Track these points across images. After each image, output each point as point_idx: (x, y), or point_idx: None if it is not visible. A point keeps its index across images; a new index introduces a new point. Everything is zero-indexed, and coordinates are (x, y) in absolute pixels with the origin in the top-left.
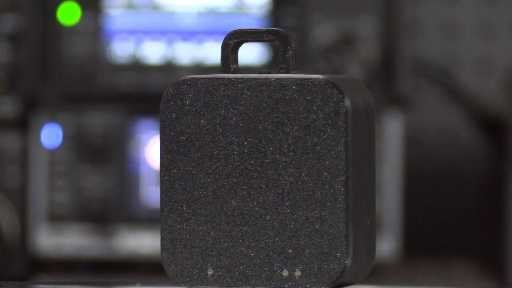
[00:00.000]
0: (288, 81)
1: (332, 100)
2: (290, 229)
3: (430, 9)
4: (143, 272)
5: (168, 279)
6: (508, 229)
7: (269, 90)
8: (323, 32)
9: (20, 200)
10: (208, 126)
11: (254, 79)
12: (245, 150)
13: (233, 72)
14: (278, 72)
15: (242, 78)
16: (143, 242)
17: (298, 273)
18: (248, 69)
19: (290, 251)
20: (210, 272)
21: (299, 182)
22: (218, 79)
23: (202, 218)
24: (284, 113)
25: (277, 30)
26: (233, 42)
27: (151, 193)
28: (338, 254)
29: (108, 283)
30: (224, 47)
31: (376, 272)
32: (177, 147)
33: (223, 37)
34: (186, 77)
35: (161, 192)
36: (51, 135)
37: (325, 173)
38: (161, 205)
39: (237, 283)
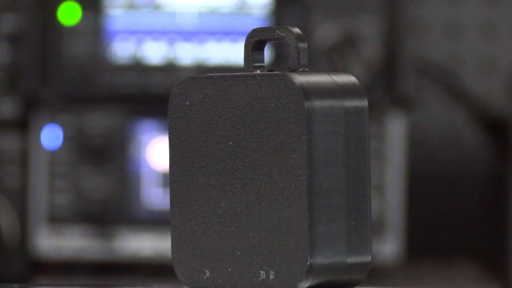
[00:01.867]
0: (261, 78)
1: (294, 98)
2: (265, 230)
3: (433, 9)
4: (143, 274)
5: (168, 281)
6: (511, 230)
7: (247, 89)
8: (326, 32)
9: (20, 202)
10: (203, 126)
11: (236, 77)
12: (230, 149)
13: (249, 71)
14: (286, 71)
15: (227, 76)
16: (144, 244)
17: (272, 275)
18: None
19: (266, 252)
20: (207, 273)
21: (271, 182)
22: (209, 77)
23: (199, 219)
24: (258, 111)
25: (286, 28)
26: (252, 40)
27: (151, 195)
28: (302, 254)
29: (109, 285)
30: (245, 46)
31: (379, 273)
32: (180, 148)
33: (224, 37)
34: (188, 76)
35: (170, 192)
36: (51, 136)
37: (290, 173)
38: (170, 206)
39: (227, 285)
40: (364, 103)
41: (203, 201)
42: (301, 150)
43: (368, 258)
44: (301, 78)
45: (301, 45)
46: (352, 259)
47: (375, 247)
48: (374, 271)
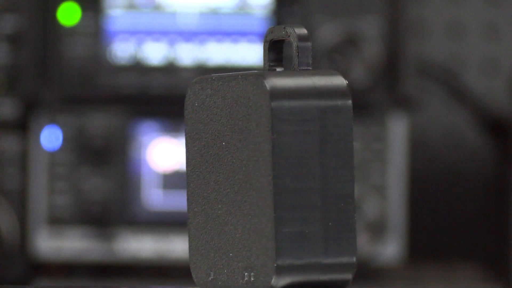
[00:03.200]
0: (241, 78)
1: (263, 98)
2: (247, 231)
3: (435, 9)
4: (144, 276)
5: (169, 283)
6: None
7: (231, 88)
8: (327, 32)
9: (20, 203)
10: (206, 127)
11: (226, 77)
12: (222, 150)
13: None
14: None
15: (220, 77)
16: (145, 246)
17: (252, 277)
18: (252, 69)
19: (248, 254)
20: (211, 275)
21: (249, 183)
22: (208, 78)
23: (206, 220)
24: (238, 111)
25: (290, 26)
26: (267, 40)
27: (152, 196)
28: (271, 256)
29: (109, 287)
30: (263, 45)
31: (381, 275)
32: (193, 149)
33: (225, 38)
34: (198, 77)
35: (187, 193)
36: (51, 137)
37: (260, 173)
38: (187, 206)
39: (224, 287)
40: (347, 102)
41: (207, 203)
42: (267, 150)
43: (351, 259)
44: (274, 78)
45: (301, 44)
46: (330, 260)
47: (376, 249)
48: (376, 273)
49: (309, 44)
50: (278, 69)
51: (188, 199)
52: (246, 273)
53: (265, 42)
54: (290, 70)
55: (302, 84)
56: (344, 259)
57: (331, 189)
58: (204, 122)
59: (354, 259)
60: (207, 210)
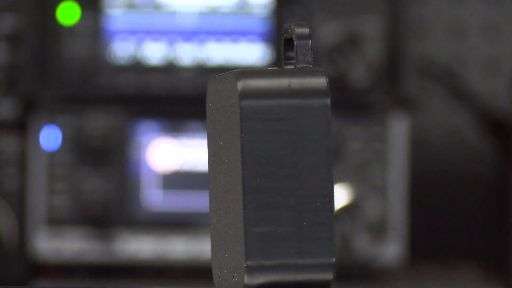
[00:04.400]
0: (224, 77)
1: (235, 97)
2: (230, 232)
3: (436, 9)
4: (143, 277)
5: (168, 284)
6: None
7: (218, 87)
8: (328, 32)
9: (18, 204)
10: (214, 126)
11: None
12: (220, 150)
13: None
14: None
15: (217, 77)
16: (144, 247)
17: (235, 277)
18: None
19: (235, 255)
20: (220, 276)
21: (231, 183)
22: (216, 77)
23: (215, 221)
24: (222, 111)
25: (292, 24)
26: (283, 38)
27: (152, 196)
28: (240, 256)
29: None
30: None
31: (382, 276)
32: (209, 149)
33: (225, 37)
34: (215, 75)
35: (209, 192)
36: (50, 137)
37: (234, 173)
38: (209, 205)
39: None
40: (323, 101)
41: (216, 203)
42: (238, 149)
43: (330, 259)
44: (248, 77)
45: (300, 42)
46: (305, 260)
47: (377, 249)
48: (377, 273)
49: (308, 42)
50: (289, 67)
51: (209, 199)
52: (234, 274)
53: (282, 40)
54: (272, 69)
55: (277, 83)
56: (321, 260)
57: (306, 188)
58: (214, 122)
59: (333, 259)
60: (217, 211)
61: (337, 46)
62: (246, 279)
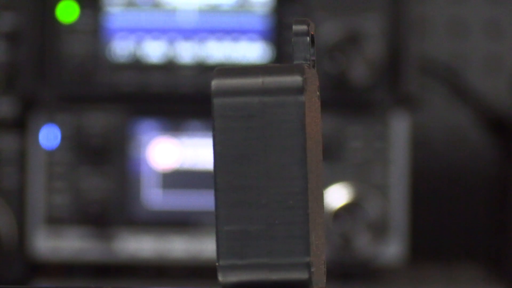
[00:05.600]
0: (212, 75)
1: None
2: None
3: (437, 7)
4: (143, 276)
5: (168, 283)
6: None
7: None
8: (328, 30)
9: (17, 203)
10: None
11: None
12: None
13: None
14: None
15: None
16: (144, 246)
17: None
18: None
19: None
20: None
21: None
22: None
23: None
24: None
25: (293, 20)
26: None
27: (152, 195)
28: (216, 255)
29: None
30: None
31: (382, 275)
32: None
33: (225, 36)
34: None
35: None
36: (49, 136)
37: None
38: None
39: None
40: (297, 98)
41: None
42: (212, 145)
43: (303, 258)
44: (224, 74)
45: (296, 38)
46: (278, 260)
47: (378, 249)
48: (377, 273)
49: (305, 38)
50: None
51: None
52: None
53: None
54: (252, 65)
55: (251, 81)
56: (294, 259)
57: (278, 186)
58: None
59: (306, 258)
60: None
61: (338, 44)
62: (220, 278)
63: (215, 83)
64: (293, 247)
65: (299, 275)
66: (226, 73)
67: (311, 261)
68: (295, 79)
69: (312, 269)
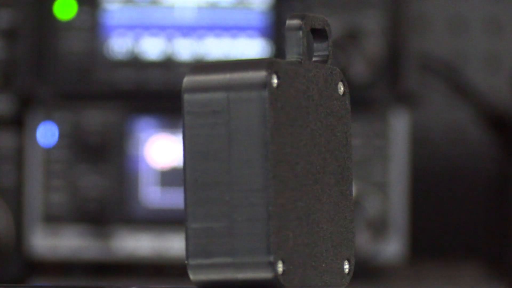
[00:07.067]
0: None
1: None
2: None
3: (437, 4)
4: (141, 275)
5: (167, 281)
6: None
7: None
8: None
9: (15, 201)
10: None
11: None
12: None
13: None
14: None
15: None
16: (142, 244)
17: None
18: None
19: None
20: None
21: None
22: None
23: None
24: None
25: (288, 16)
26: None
27: (150, 193)
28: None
29: (106, 286)
30: None
31: (382, 274)
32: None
33: (223, 33)
34: None
35: None
36: (47, 134)
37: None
38: None
39: None
40: (260, 94)
41: None
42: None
43: (265, 257)
44: (198, 70)
45: (288, 33)
46: (240, 258)
47: (378, 247)
48: (377, 271)
49: (298, 33)
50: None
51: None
52: None
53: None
54: (224, 61)
55: (218, 77)
56: (256, 257)
57: (240, 183)
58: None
59: (269, 257)
60: None
61: (337, 41)
62: (191, 277)
63: (186, 79)
64: (253, 245)
65: (263, 274)
66: (198, 70)
67: (275, 259)
68: (259, 75)
69: (282, 268)
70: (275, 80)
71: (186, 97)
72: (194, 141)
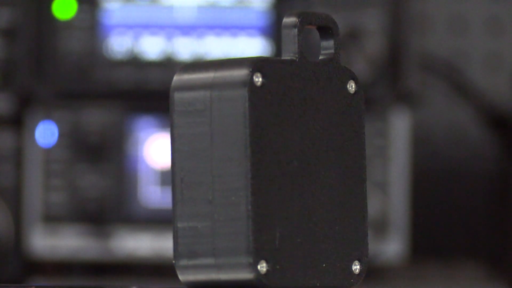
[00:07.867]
0: None
1: None
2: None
3: (438, 3)
4: (141, 275)
5: (166, 281)
6: None
7: None
8: None
9: (14, 201)
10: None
11: None
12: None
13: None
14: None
15: None
16: (142, 244)
17: None
18: None
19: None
20: None
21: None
22: None
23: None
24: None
25: (285, 14)
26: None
27: (149, 193)
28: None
29: (105, 286)
30: None
31: (382, 274)
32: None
33: (224, 32)
34: None
35: None
36: (46, 133)
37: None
38: None
39: None
40: (241, 92)
41: None
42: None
43: (245, 257)
44: (187, 69)
45: (284, 31)
46: (221, 259)
47: (377, 246)
48: (377, 271)
49: (294, 31)
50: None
51: None
52: None
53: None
54: (213, 60)
55: (204, 75)
56: (237, 258)
57: (222, 182)
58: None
59: (249, 258)
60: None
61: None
62: (180, 277)
63: (175, 78)
64: (234, 245)
65: (245, 275)
66: (187, 69)
67: (255, 259)
68: (240, 73)
69: (266, 268)
70: (259, 79)
71: (174, 96)
72: (181, 140)
